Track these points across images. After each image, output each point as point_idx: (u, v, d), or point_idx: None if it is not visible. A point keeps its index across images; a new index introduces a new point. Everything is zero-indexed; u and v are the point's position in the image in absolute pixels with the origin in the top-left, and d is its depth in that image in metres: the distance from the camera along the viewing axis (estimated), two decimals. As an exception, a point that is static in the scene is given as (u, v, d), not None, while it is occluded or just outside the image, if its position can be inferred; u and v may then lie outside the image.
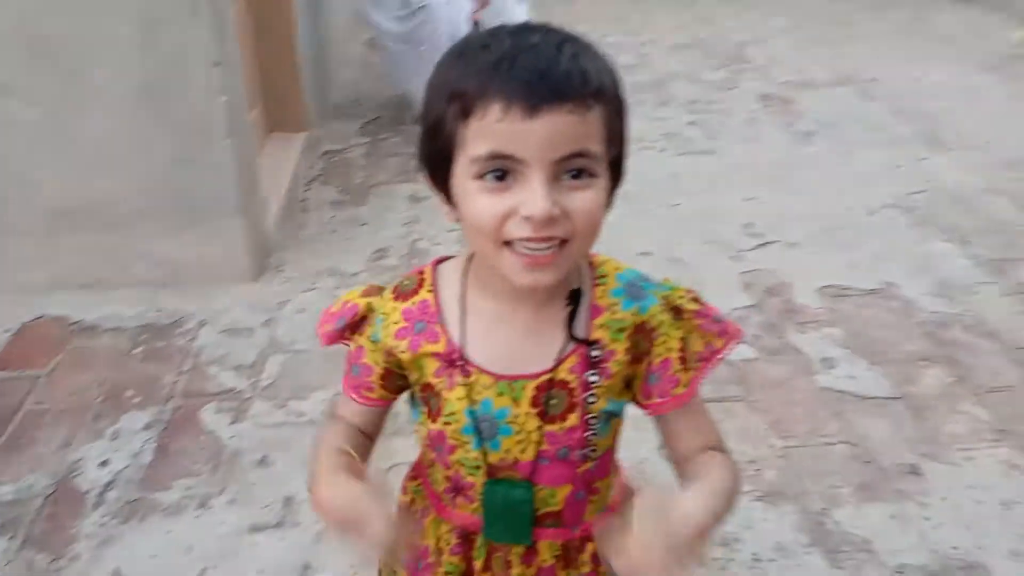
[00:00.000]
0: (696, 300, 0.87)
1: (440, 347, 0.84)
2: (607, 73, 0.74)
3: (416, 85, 3.78)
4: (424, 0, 3.60)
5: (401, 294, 0.87)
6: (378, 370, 0.88)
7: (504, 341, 0.83)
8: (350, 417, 0.92)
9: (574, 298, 0.82)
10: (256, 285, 2.63)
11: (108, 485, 1.87)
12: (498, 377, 0.82)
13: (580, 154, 0.71)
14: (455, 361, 0.83)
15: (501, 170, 0.71)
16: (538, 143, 0.69)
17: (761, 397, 2.06)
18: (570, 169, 0.71)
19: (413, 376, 0.87)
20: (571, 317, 0.82)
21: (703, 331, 0.86)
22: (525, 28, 0.75)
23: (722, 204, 3.08)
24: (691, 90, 4.32)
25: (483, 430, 0.83)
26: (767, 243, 2.78)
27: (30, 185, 2.45)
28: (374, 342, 0.87)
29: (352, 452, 0.83)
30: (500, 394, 0.82)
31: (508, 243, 0.73)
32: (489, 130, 0.70)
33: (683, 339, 0.85)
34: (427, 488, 0.95)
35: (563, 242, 0.72)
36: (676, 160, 3.49)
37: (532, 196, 0.70)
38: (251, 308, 2.51)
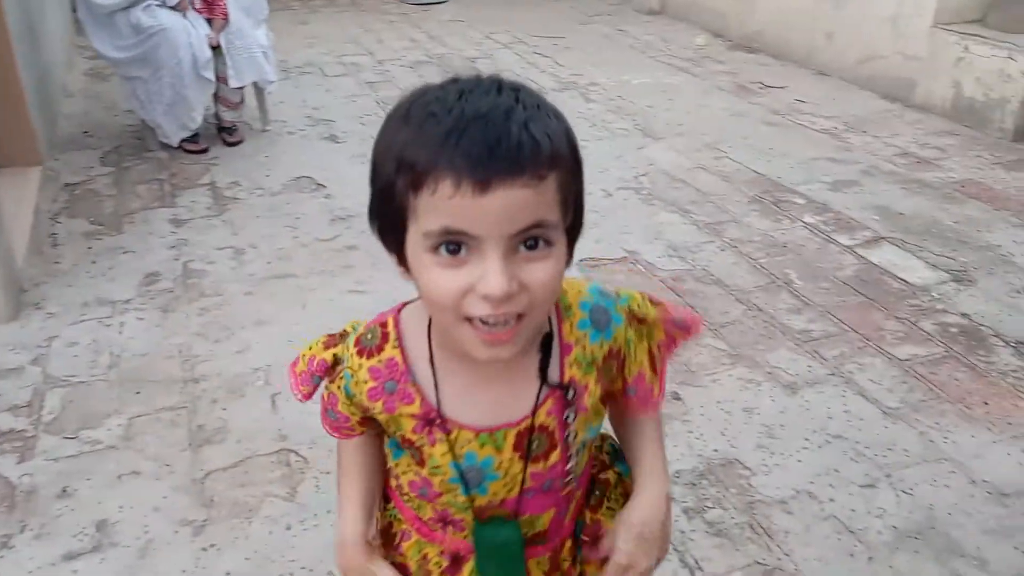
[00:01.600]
0: (654, 303, 0.89)
1: (416, 408, 0.82)
2: (560, 136, 0.70)
3: (158, 113, 3.68)
4: (160, 24, 3.51)
5: (365, 349, 0.84)
6: (355, 418, 0.90)
7: (480, 396, 0.82)
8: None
9: (545, 346, 0.81)
10: (15, 325, 2.45)
11: None
12: (479, 431, 0.82)
13: (536, 225, 0.68)
14: (433, 420, 0.82)
15: (456, 243, 0.68)
16: (492, 219, 0.66)
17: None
18: (527, 240, 0.68)
19: (391, 429, 0.86)
20: (543, 363, 0.81)
21: (666, 330, 0.89)
22: (474, 86, 0.70)
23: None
24: (434, 101, 4.57)
25: (469, 480, 0.83)
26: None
27: None
28: (348, 396, 0.87)
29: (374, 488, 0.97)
30: (483, 445, 0.82)
31: (468, 318, 0.70)
32: (441, 206, 0.66)
33: (649, 347, 0.88)
34: (407, 513, 0.94)
35: (520, 316, 0.70)
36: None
37: (488, 274, 0.67)
38: (14, 348, 2.34)
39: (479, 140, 0.66)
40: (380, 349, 0.84)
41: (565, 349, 0.82)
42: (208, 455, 1.97)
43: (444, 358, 0.82)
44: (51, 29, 4.49)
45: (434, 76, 5.19)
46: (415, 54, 5.60)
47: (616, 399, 0.90)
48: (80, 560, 1.68)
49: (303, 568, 1.66)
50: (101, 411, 2.11)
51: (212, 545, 1.72)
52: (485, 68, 5.24)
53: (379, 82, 4.94)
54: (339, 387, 0.88)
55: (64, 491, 1.86)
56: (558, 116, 0.72)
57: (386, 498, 0.98)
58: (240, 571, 1.65)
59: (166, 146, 3.79)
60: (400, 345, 0.83)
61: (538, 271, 0.69)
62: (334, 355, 0.88)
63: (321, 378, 0.89)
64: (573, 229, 0.75)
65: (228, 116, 3.96)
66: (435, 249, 0.69)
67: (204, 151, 3.82)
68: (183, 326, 2.48)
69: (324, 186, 3.50)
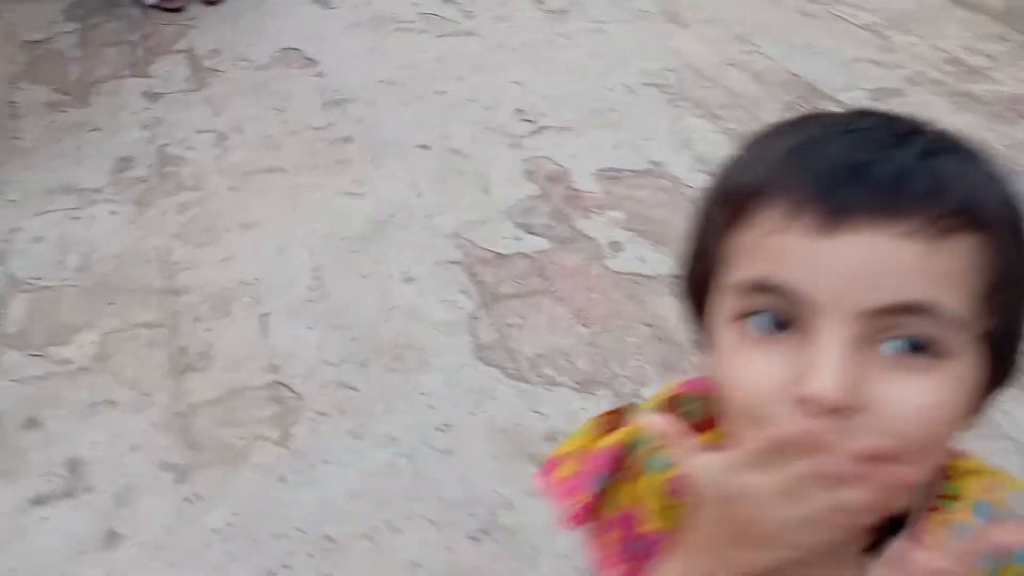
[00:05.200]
0: None
1: None
2: (990, 186, 0.47)
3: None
4: None
5: (687, 418, 0.55)
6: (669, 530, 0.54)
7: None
8: None
9: (888, 529, 0.48)
10: (-29, 213, 2.19)
11: None
12: None
13: (917, 308, 0.43)
14: None
15: (772, 312, 0.46)
16: (839, 276, 0.43)
17: (561, 287, 2.11)
18: (896, 333, 0.44)
19: None
20: (876, 545, 0.48)
21: None
22: (856, 113, 0.50)
23: (490, 89, 3.03)
24: (437, -35, 4.13)
25: None
26: (541, 128, 2.80)
27: None
28: (661, 469, 0.55)
29: None
30: None
31: None
32: (762, 245, 0.46)
33: None
34: None
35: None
36: (438, 43, 3.35)
37: (817, 363, 0.43)
38: (-29, 241, 2.10)
39: (841, 156, 0.45)
40: (708, 426, 0.55)
41: (922, 552, 0.46)
42: (191, 385, 1.78)
43: None
44: None
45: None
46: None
47: None
48: (50, 506, 1.52)
49: (297, 529, 1.50)
50: (71, 323, 1.91)
51: (196, 495, 1.55)
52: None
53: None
54: (641, 482, 0.56)
55: (31, 421, 1.67)
56: (995, 167, 0.48)
57: None
58: (227, 530, 1.50)
59: (138, 3, 3.39)
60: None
61: (908, 391, 0.43)
62: (627, 438, 0.56)
63: (610, 475, 0.56)
64: (997, 343, 0.46)
65: (208, -30, 3.53)
66: (741, 316, 0.47)
67: (180, 10, 3.42)
68: (160, 224, 2.23)
69: (315, 61, 3.15)
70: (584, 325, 2.01)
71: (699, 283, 0.52)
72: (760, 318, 0.46)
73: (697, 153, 2.74)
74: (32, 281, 1.99)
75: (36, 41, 3.08)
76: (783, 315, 0.45)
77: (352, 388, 1.77)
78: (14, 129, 2.56)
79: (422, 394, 1.75)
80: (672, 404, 0.58)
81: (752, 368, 0.46)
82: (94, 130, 2.60)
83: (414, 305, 1.99)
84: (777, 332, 0.45)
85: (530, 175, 2.55)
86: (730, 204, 0.49)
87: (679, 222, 2.35)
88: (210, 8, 3.49)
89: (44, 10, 3.30)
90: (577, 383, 1.84)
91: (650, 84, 3.15)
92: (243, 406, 1.73)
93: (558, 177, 2.55)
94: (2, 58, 2.91)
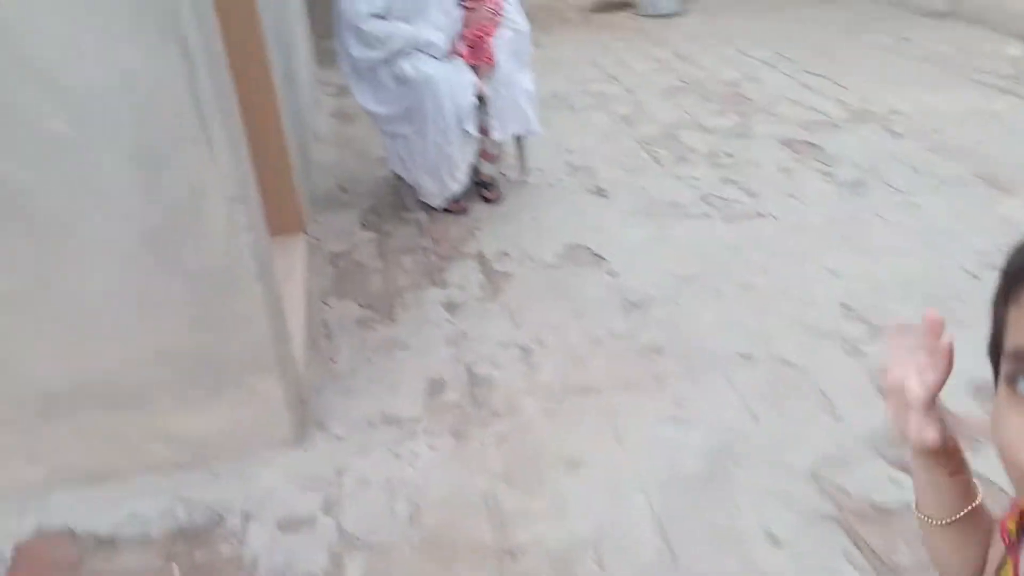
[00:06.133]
0: None
1: None
2: None
3: (420, 173, 3.38)
4: (426, 75, 3.20)
5: None
6: None
7: None
8: None
9: None
10: (300, 452, 2.16)
11: None
12: None
13: None
14: None
15: None
16: None
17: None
18: None
19: None
20: None
21: None
22: None
23: (802, 280, 2.75)
24: (705, 140, 4.01)
25: None
26: (877, 328, 2.45)
27: (12, 366, 1.95)
28: None
29: None
30: None
31: None
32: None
33: None
34: None
35: None
36: (727, 229, 3.15)
37: None
38: (302, 485, 2.05)
39: None
40: None
41: None
42: None
43: None
44: (302, 67, 4.36)
45: (693, 104, 4.65)
46: (666, 78, 5.06)
47: None
48: None
49: None
50: (406, 589, 1.76)
51: None
52: (751, 92, 4.61)
53: (634, 116, 4.45)
54: None
55: None
56: None
57: None
58: None
59: (424, 204, 3.50)
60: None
61: None
62: None
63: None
64: None
65: (487, 169, 3.61)
66: (1012, 379, 0.56)
67: (464, 211, 3.49)
68: (481, 461, 2.09)
69: (603, 258, 3.04)
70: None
71: (992, 349, 0.61)
72: None
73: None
74: (366, 538, 1.89)
75: (339, 253, 3.22)
76: None
77: None
78: (330, 350, 2.60)
79: None
80: None
81: (1012, 426, 0.55)
82: (404, 349, 2.58)
83: (790, 578, 1.66)
84: None
85: (883, 391, 2.19)
86: (1009, 280, 0.57)
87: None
88: (491, 206, 3.54)
89: (343, 220, 3.48)
90: None
91: (990, 265, 2.73)
92: None
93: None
94: (315, 272, 3.04)
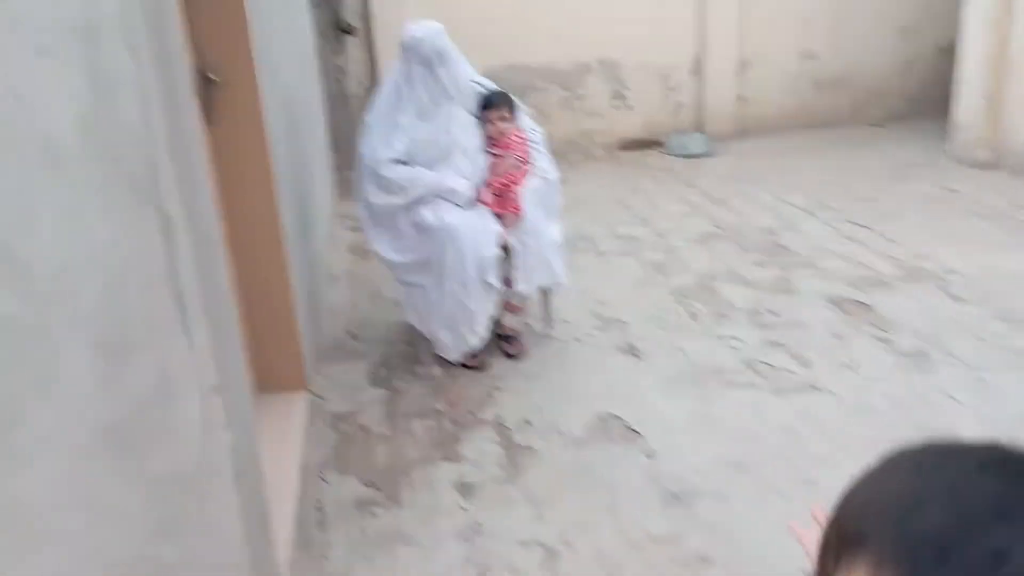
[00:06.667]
0: None
1: None
2: None
3: (437, 326, 3.10)
4: (447, 224, 2.97)
5: None
6: None
7: None
8: None
9: None
10: None
11: None
12: None
13: None
14: None
15: None
16: None
17: None
18: None
19: None
20: None
21: None
22: (987, 456, 0.50)
23: (869, 476, 2.39)
24: (745, 295, 3.73)
25: None
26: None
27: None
28: None
29: None
30: None
31: None
32: None
33: None
34: None
35: None
36: (779, 404, 2.81)
37: None
38: None
39: (932, 526, 0.46)
40: None
41: None
42: None
43: None
44: (319, 206, 4.18)
45: (729, 253, 4.40)
46: (699, 223, 4.83)
47: None
48: None
49: None
50: None
51: None
52: (790, 242, 4.36)
53: (667, 264, 4.19)
54: None
55: None
56: None
57: None
58: None
59: (440, 360, 3.20)
60: None
61: None
62: None
63: None
64: None
65: (510, 321, 3.33)
66: None
67: (483, 367, 3.19)
68: None
69: (638, 433, 2.70)
70: None
71: None
72: None
73: None
74: None
75: (343, 414, 2.90)
76: None
77: None
78: (322, 544, 2.24)
79: None
80: None
81: None
82: (408, 544, 2.22)
83: None
84: None
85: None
86: (833, 536, 0.53)
87: None
88: (513, 362, 3.24)
89: (351, 373, 3.19)
90: None
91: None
92: None
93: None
94: (314, 439, 2.71)
